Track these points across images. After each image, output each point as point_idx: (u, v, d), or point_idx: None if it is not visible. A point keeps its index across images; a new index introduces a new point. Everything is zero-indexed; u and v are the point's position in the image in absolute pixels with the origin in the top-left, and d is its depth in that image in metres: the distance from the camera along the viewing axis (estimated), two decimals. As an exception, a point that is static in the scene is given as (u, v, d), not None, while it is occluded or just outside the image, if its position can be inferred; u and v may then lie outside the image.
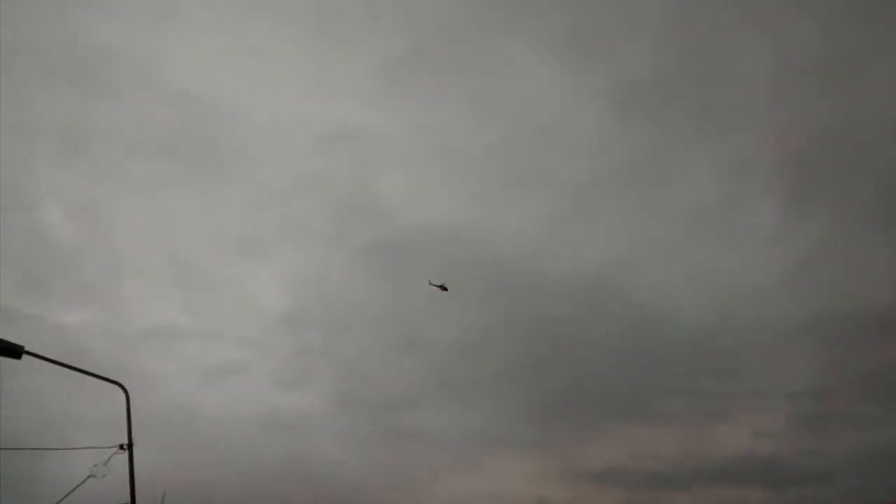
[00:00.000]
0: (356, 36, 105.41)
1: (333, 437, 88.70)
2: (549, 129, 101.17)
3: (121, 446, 21.61)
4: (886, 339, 77.82)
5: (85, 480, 21.57)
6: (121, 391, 21.97)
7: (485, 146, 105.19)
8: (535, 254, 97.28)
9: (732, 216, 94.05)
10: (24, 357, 20.55)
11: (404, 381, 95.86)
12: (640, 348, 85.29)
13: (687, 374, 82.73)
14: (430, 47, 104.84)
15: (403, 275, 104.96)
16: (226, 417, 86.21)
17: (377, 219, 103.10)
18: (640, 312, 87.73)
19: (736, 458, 75.78)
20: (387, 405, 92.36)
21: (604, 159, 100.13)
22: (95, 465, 21.55)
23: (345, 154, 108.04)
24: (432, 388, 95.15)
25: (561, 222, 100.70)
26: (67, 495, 21.58)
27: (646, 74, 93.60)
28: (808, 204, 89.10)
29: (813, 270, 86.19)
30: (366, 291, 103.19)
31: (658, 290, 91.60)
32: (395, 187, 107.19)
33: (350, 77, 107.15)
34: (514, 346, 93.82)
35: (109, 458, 21.55)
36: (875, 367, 74.70)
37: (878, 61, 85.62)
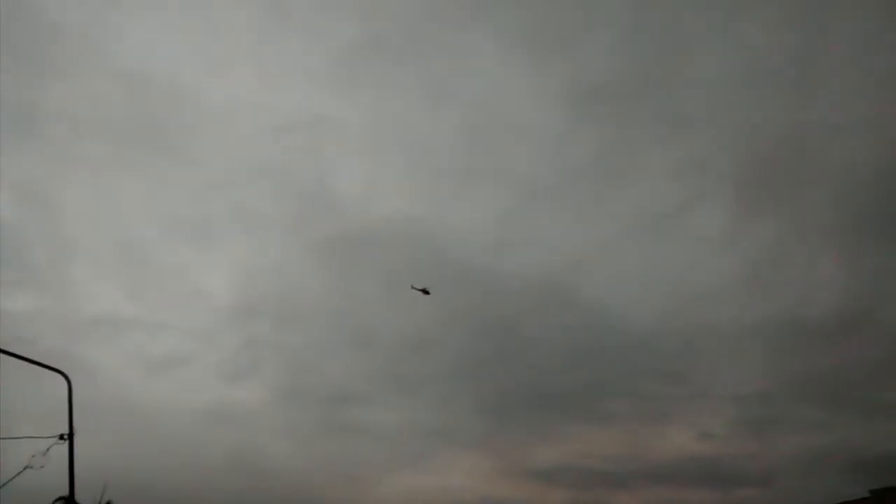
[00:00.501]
0: (315, 23, 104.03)
1: (280, 430, 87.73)
2: (508, 125, 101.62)
3: (61, 436, 20.91)
4: (829, 345, 79.80)
5: (22, 471, 20.83)
6: (63, 380, 21.26)
7: (443, 140, 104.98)
8: (489, 250, 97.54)
9: (685, 219, 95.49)
10: (-38, 342, 19.76)
11: (354, 375, 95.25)
12: (590, 348, 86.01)
13: (635, 374, 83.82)
14: (390, 37, 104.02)
15: (357, 268, 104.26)
16: (170, 409, 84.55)
17: (332, 211, 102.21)
18: (590, 312, 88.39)
19: (680, 459, 76.99)
20: (335, 399, 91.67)
21: (561, 158, 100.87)
22: (34, 456, 20.83)
23: (301, 143, 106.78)
24: (382, 383, 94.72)
25: (516, 219, 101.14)
26: (3, 486, 20.80)
27: (607, 74, 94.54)
28: (760, 210, 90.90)
29: (762, 276, 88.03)
30: (318, 284, 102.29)
31: (609, 290, 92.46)
32: (352, 179, 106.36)
33: (308, 65, 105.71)
34: (465, 343, 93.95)
35: (49, 449, 20.85)
36: (817, 372, 76.55)
37: (830, 71, 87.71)
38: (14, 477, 20.85)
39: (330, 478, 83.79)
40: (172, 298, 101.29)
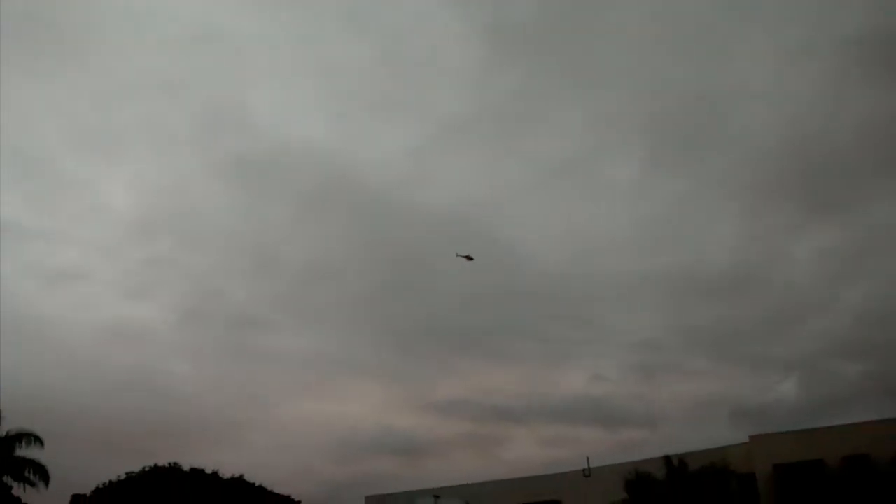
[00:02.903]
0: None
1: (181, 351, 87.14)
2: (426, 58, 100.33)
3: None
4: (721, 299, 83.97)
5: None
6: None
7: (359, 66, 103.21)
8: (401, 183, 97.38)
9: (595, 168, 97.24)
10: None
11: (257, 299, 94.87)
12: (496, 287, 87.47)
13: (537, 316, 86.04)
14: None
15: (265, 191, 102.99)
16: (68, 324, 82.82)
17: (242, 131, 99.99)
18: (498, 253, 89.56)
19: (573, 399, 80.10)
20: (238, 323, 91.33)
21: (476, 97, 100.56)
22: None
23: (213, 57, 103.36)
24: (286, 308, 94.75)
25: (430, 154, 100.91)
26: None
27: (527, 16, 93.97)
28: (668, 166, 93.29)
29: (664, 229, 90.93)
30: (224, 205, 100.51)
31: (518, 232, 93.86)
32: (264, 100, 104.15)
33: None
34: (372, 274, 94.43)
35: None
36: (707, 324, 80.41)
37: (745, 38, 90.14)
38: None
39: (231, 400, 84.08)
40: (73, 210, 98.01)
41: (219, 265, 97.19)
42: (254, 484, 53.31)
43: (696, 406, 75.67)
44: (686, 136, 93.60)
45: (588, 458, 48.84)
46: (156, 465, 51.21)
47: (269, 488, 54.08)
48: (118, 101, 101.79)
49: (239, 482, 52.64)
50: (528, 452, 79.04)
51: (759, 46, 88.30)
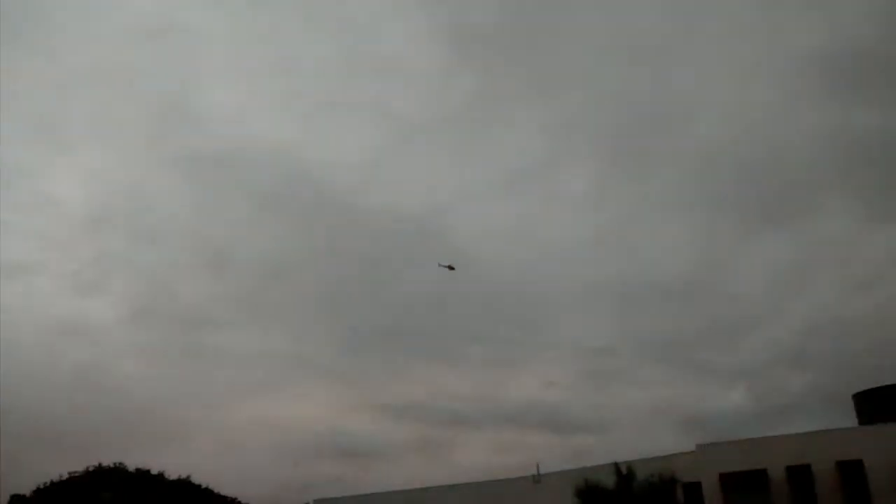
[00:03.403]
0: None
1: (131, 349, 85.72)
2: (386, 60, 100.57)
3: None
4: (670, 307, 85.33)
5: None
6: None
7: (319, 66, 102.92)
8: (358, 184, 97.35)
9: (551, 175, 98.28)
10: None
11: (210, 298, 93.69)
12: (451, 291, 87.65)
13: (492, 320, 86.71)
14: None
15: (220, 188, 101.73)
16: (14, 319, 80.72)
17: (199, 126, 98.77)
18: (454, 256, 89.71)
19: (525, 404, 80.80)
20: (190, 321, 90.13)
21: (437, 100, 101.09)
22: None
23: (170, 50, 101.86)
24: (238, 308, 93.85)
25: (387, 156, 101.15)
26: None
27: (488, 21, 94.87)
28: (621, 174, 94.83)
29: (617, 237, 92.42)
30: (178, 201, 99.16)
31: (474, 236, 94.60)
32: (222, 96, 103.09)
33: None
34: (327, 275, 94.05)
35: None
36: (657, 332, 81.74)
37: (702, 53, 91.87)
38: None
39: (180, 400, 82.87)
40: (21, 201, 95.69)
41: (171, 262, 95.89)
42: (200, 486, 52.68)
43: (646, 413, 76.87)
44: (640, 146, 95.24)
45: (538, 464, 49.08)
46: (100, 465, 50.35)
47: (215, 490, 53.49)
48: (72, 92, 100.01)
49: (185, 484, 51.93)
50: (478, 457, 79.49)
51: (713, 62, 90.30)
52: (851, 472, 35.95)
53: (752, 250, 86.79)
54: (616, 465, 38.89)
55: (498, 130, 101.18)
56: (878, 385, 44.07)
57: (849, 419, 44.89)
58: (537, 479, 48.31)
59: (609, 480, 38.45)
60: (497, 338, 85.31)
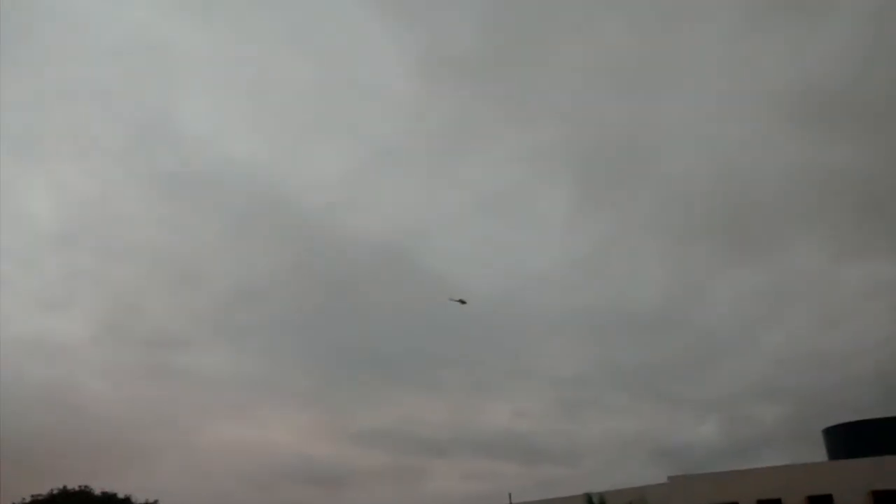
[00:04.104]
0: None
1: (98, 367, 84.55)
2: (363, 84, 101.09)
3: None
4: (644, 337, 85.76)
5: None
6: None
7: (296, 89, 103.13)
8: (333, 207, 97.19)
9: (527, 202, 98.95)
10: None
11: (179, 318, 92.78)
12: (424, 316, 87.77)
13: (465, 347, 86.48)
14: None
15: (194, 208, 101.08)
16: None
17: (175, 145, 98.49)
18: (428, 281, 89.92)
19: (497, 433, 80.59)
20: (158, 341, 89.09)
21: (412, 123, 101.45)
22: None
23: (147, 69, 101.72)
24: (208, 329, 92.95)
25: (363, 180, 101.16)
26: None
27: (465, 48, 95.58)
28: (596, 202, 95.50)
29: (593, 266, 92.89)
30: (150, 218, 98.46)
31: (450, 261, 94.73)
32: (198, 115, 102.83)
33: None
34: (300, 298, 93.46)
35: None
36: (631, 362, 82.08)
37: (681, 85, 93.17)
38: None
39: (148, 421, 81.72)
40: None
41: (141, 280, 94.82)
42: (168, 510, 51.87)
43: (618, 444, 76.98)
44: (616, 175, 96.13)
45: (510, 494, 48.94)
46: (65, 488, 49.32)
47: (183, 515, 52.69)
48: (46, 106, 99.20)
49: (152, 508, 51.12)
50: (449, 486, 79.02)
51: (690, 95, 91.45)
52: (821, 507, 36.27)
53: (725, 282, 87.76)
54: (588, 496, 38.93)
55: (473, 156, 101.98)
56: (848, 421, 44.58)
57: (818, 454, 45.37)
58: (509, 508, 48.19)
59: (581, 511, 38.50)
60: (471, 364, 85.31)
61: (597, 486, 40.54)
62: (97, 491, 49.85)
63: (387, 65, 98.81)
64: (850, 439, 42.80)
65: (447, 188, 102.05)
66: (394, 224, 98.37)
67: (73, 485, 49.66)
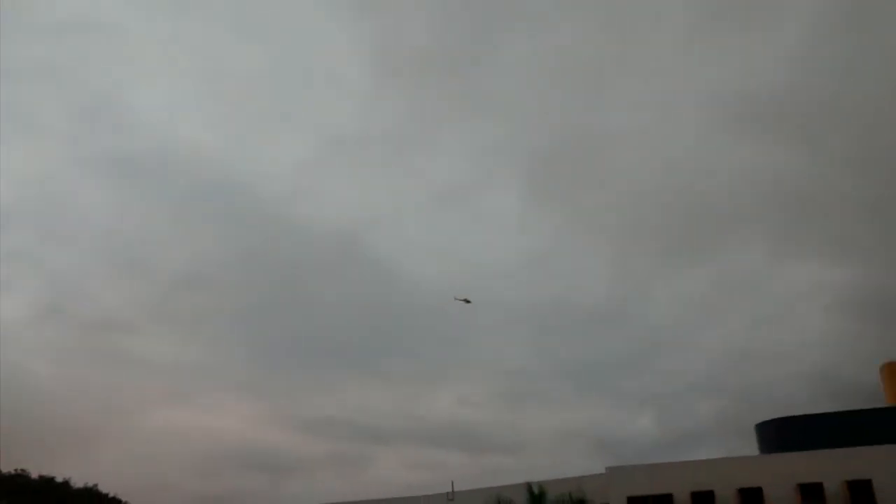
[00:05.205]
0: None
1: (38, 350, 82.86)
2: (317, 74, 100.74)
3: None
4: (587, 332, 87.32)
5: None
6: None
7: (250, 76, 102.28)
8: (284, 196, 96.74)
9: (478, 196, 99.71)
10: None
11: (124, 302, 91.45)
12: (374, 306, 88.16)
13: (413, 337, 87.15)
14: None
15: (142, 192, 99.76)
16: None
17: (123, 127, 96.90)
18: (380, 272, 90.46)
19: (442, 422, 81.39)
20: (102, 325, 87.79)
21: (368, 116, 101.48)
22: None
23: (97, 49, 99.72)
24: (154, 314, 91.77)
25: (315, 169, 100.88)
26: None
27: (420, 42, 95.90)
28: (546, 199, 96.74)
29: (540, 260, 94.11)
30: (95, 201, 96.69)
31: (401, 253, 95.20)
32: (149, 98, 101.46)
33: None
34: (249, 286, 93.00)
35: None
36: (573, 356, 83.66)
37: (626, 80, 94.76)
38: None
39: (89, 406, 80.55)
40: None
41: (84, 264, 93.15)
42: (107, 495, 51.32)
43: (560, 435, 78.38)
44: (567, 173, 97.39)
45: (452, 482, 49.54)
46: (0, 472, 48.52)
47: (123, 500, 52.20)
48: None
49: (91, 493, 50.54)
50: (393, 474, 79.56)
51: (639, 95, 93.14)
52: (752, 499, 37.55)
53: (668, 281, 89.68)
54: (529, 485, 39.68)
55: (426, 150, 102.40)
56: (780, 416, 46.21)
57: (751, 447, 46.92)
58: (451, 496, 48.76)
59: (521, 500, 39.21)
60: (418, 354, 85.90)
61: (538, 476, 41.39)
62: (34, 475, 49.17)
63: (342, 55, 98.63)
64: (780, 434, 44.41)
65: (399, 180, 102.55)
66: (345, 214, 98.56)
67: (7, 468, 48.94)
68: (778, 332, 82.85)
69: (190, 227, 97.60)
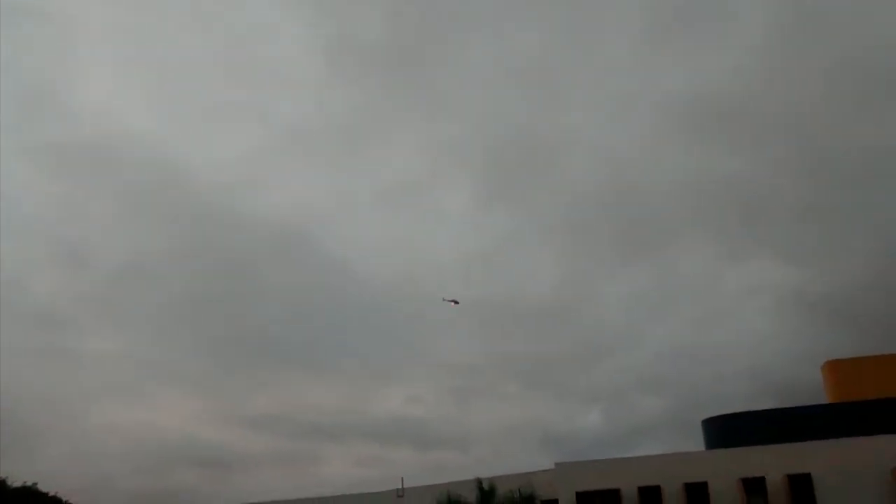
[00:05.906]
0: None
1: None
2: (267, 66, 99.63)
3: None
4: (536, 330, 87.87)
5: None
6: None
7: (198, 67, 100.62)
8: (232, 189, 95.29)
9: (428, 193, 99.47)
10: None
11: (63, 295, 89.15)
12: (322, 301, 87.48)
13: (361, 333, 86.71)
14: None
15: (83, 182, 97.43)
16: None
17: (64, 116, 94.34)
18: (328, 267, 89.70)
19: (391, 419, 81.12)
20: (38, 318, 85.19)
21: (317, 109, 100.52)
22: None
23: (38, 34, 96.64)
24: (94, 308, 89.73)
25: (265, 160, 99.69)
26: None
27: (372, 37, 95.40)
28: (496, 198, 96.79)
29: (488, 258, 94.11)
30: (33, 191, 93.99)
31: (349, 248, 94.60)
32: (92, 87, 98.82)
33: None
34: (193, 279, 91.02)
35: None
36: (521, 353, 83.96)
37: (585, 87, 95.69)
38: None
39: (26, 402, 78.02)
40: None
41: (21, 254, 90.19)
42: (47, 494, 49.96)
43: (508, 431, 78.76)
44: (516, 172, 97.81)
45: (402, 479, 49.44)
46: (-69, 471, 46.97)
47: (64, 499, 50.87)
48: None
49: (30, 492, 49.02)
50: (342, 471, 78.93)
51: (591, 97, 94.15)
52: (697, 493, 38.21)
53: (615, 280, 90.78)
54: (478, 481, 39.86)
55: (376, 145, 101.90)
56: (725, 412, 47.15)
57: (697, 443, 47.76)
58: (401, 493, 48.64)
59: (471, 496, 39.39)
60: (366, 351, 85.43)
61: (486, 472, 41.60)
62: (-31, 473, 47.66)
63: (292, 47, 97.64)
64: (725, 430, 45.26)
65: (349, 175, 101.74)
66: (294, 207, 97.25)
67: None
68: (724, 331, 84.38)
69: (133, 219, 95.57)
